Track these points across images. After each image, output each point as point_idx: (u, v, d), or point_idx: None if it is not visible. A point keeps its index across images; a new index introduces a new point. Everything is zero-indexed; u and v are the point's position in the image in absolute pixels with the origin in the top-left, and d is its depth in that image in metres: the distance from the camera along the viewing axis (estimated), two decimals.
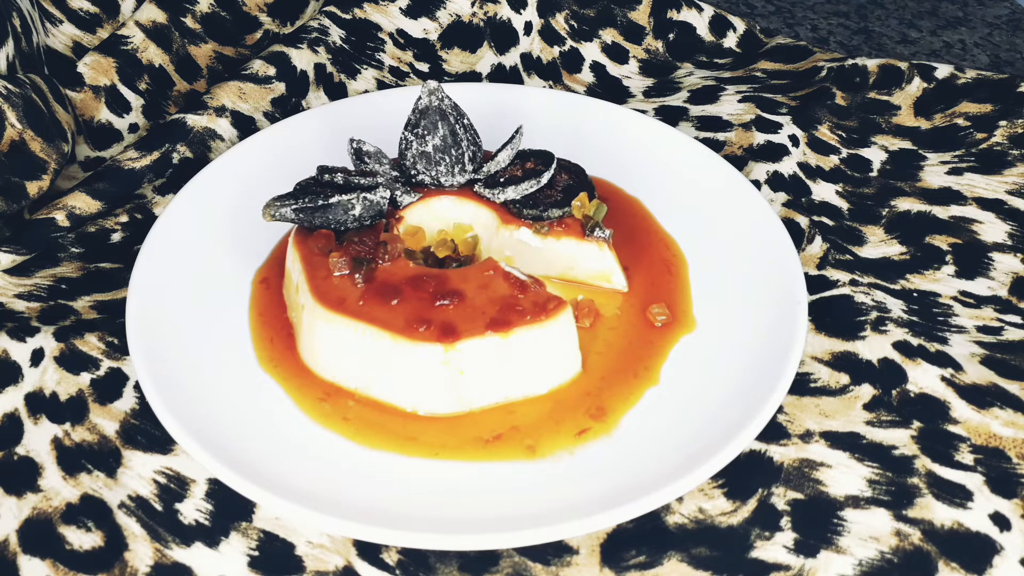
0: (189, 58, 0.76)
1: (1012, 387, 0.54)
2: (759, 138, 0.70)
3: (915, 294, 0.60)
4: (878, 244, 0.64)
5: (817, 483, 0.50)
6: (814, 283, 0.60)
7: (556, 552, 0.47)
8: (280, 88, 0.73)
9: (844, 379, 0.54)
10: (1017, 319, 0.59)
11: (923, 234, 0.65)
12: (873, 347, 0.56)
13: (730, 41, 0.83)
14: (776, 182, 0.68)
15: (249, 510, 0.48)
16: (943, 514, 0.48)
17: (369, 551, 0.47)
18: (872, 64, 0.78)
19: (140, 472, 0.50)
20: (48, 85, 0.67)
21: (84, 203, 0.64)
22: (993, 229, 0.65)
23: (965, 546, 0.47)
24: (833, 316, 0.58)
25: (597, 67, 0.80)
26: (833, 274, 0.61)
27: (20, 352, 0.54)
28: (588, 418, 0.51)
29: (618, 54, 0.81)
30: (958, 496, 0.49)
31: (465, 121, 0.58)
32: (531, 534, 0.44)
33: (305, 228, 0.55)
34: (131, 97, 0.72)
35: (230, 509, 0.48)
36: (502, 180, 0.58)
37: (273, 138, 0.66)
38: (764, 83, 0.78)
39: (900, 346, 0.56)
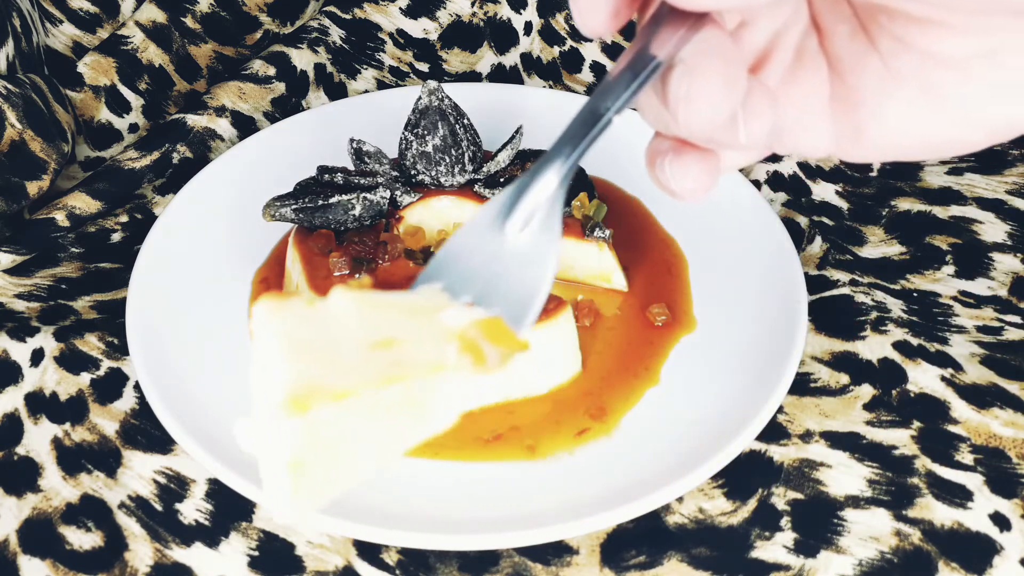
0: (189, 58, 0.76)
1: (1012, 387, 0.54)
2: None
3: (915, 294, 0.60)
4: (878, 244, 0.64)
5: (817, 483, 0.50)
6: (814, 283, 0.60)
7: (556, 552, 0.47)
8: (280, 88, 0.73)
9: (844, 379, 0.54)
10: (1017, 319, 0.59)
11: (923, 234, 0.65)
12: (873, 347, 0.56)
13: None
14: (776, 182, 0.68)
15: (249, 510, 0.48)
16: (943, 514, 0.48)
17: (369, 551, 0.47)
18: None
19: (140, 472, 0.50)
20: (48, 85, 0.67)
21: (84, 203, 0.64)
22: (993, 229, 0.65)
23: (965, 546, 0.47)
24: (833, 316, 0.58)
25: (597, 67, 0.80)
26: (833, 274, 0.61)
27: (20, 352, 0.54)
28: (588, 418, 0.51)
29: (618, 54, 0.81)
30: (958, 496, 0.49)
31: (465, 121, 0.58)
32: (531, 534, 0.44)
33: (305, 228, 0.55)
34: (131, 97, 0.72)
35: (230, 509, 0.48)
36: (502, 180, 0.58)
37: (273, 138, 0.66)
38: None
39: (900, 346, 0.56)
